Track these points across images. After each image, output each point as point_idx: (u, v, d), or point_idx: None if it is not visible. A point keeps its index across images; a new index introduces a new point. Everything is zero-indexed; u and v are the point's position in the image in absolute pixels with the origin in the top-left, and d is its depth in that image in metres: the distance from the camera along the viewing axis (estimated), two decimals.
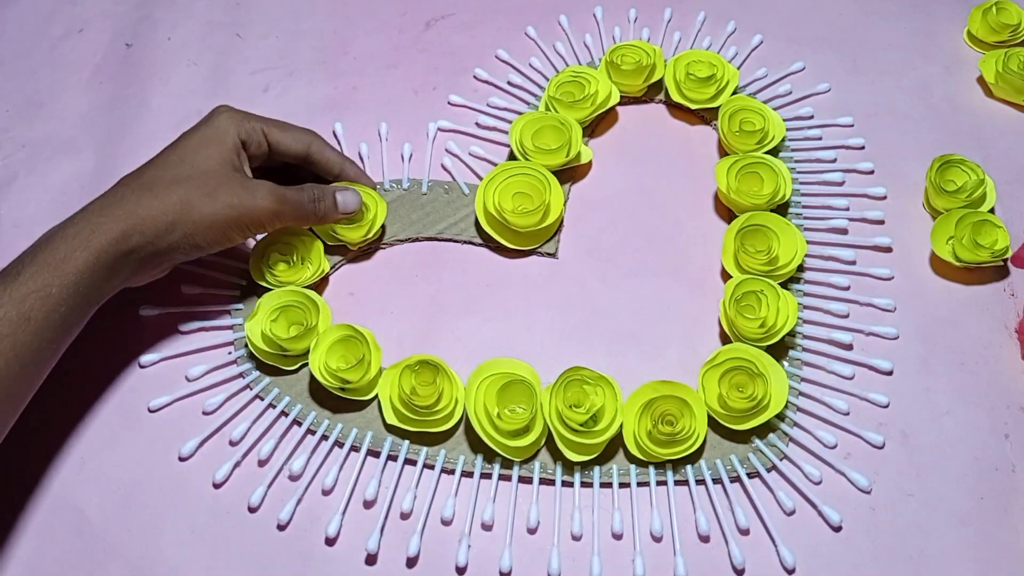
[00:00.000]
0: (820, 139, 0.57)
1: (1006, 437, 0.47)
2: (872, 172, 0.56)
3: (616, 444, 0.46)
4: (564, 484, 0.45)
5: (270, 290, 0.49)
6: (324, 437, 0.47)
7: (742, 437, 0.46)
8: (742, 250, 0.49)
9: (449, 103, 0.59)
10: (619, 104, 0.58)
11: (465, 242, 0.53)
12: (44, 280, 0.39)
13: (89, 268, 0.40)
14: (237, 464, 0.46)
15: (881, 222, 0.53)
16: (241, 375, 0.49)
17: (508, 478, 0.45)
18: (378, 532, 0.43)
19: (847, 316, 0.50)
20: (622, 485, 0.45)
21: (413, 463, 0.46)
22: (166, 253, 0.43)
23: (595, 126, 0.58)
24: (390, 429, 0.46)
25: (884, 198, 0.54)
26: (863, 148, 0.57)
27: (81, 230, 0.40)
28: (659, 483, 0.45)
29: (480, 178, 0.55)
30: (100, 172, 0.57)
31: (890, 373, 0.48)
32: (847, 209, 0.54)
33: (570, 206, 0.55)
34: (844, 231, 0.53)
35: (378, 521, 0.44)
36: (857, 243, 0.53)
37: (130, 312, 0.50)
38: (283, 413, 0.47)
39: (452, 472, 0.46)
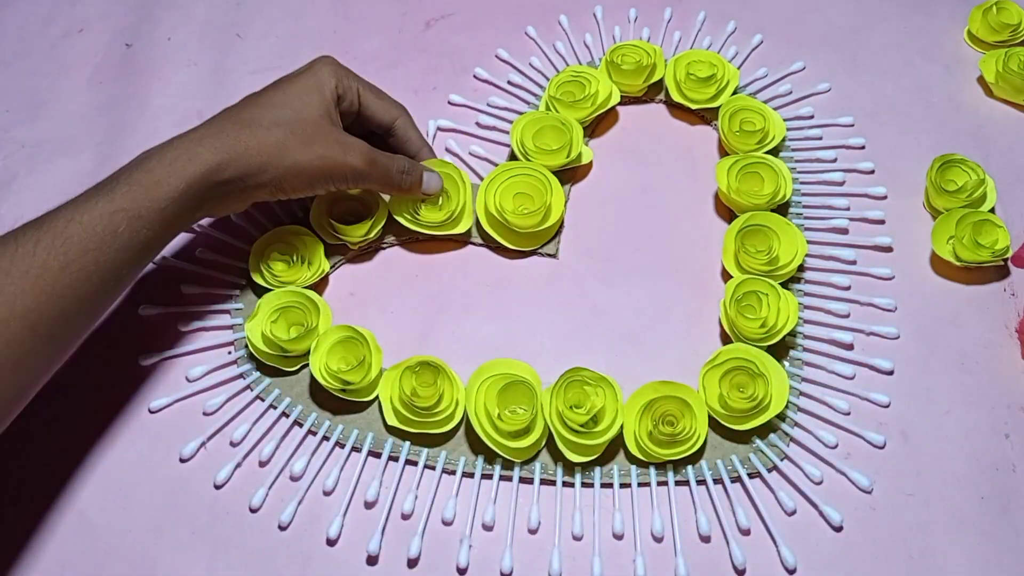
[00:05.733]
0: (820, 139, 0.57)
1: (1006, 437, 0.47)
2: (872, 172, 0.56)
3: (617, 445, 0.46)
4: (565, 485, 0.45)
5: (270, 290, 0.49)
6: (325, 438, 0.47)
7: (743, 437, 0.46)
8: (743, 250, 0.49)
9: (449, 103, 0.59)
10: (619, 104, 0.58)
11: (465, 242, 0.53)
12: (136, 200, 0.39)
13: (180, 195, 0.40)
14: (238, 465, 0.46)
15: (881, 222, 0.54)
16: (242, 376, 0.49)
17: (509, 479, 0.45)
18: (379, 533, 0.43)
19: (848, 316, 0.50)
20: (623, 485, 0.45)
21: (414, 464, 0.46)
22: (252, 191, 0.44)
23: (595, 126, 0.58)
24: (391, 430, 0.46)
25: (884, 198, 0.54)
26: (863, 148, 0.57)
27: (179, 156, 0.41)
28: (660, 483, 0.45)
29: (480, 177, 0.55)
30: (100, 172, 0.55)
31: (891, 373, 0.48)
32: (847, 209, 0.54)
33: (570, 206, 0.55)
34: (844, 231, 0.53)
35: (379, 522, 0.44)
36: (857, 243, 0.53)
37: (130, 312, 0.50)
38: (284, 414, 0.47)
39: (453, 473, 0.46)
